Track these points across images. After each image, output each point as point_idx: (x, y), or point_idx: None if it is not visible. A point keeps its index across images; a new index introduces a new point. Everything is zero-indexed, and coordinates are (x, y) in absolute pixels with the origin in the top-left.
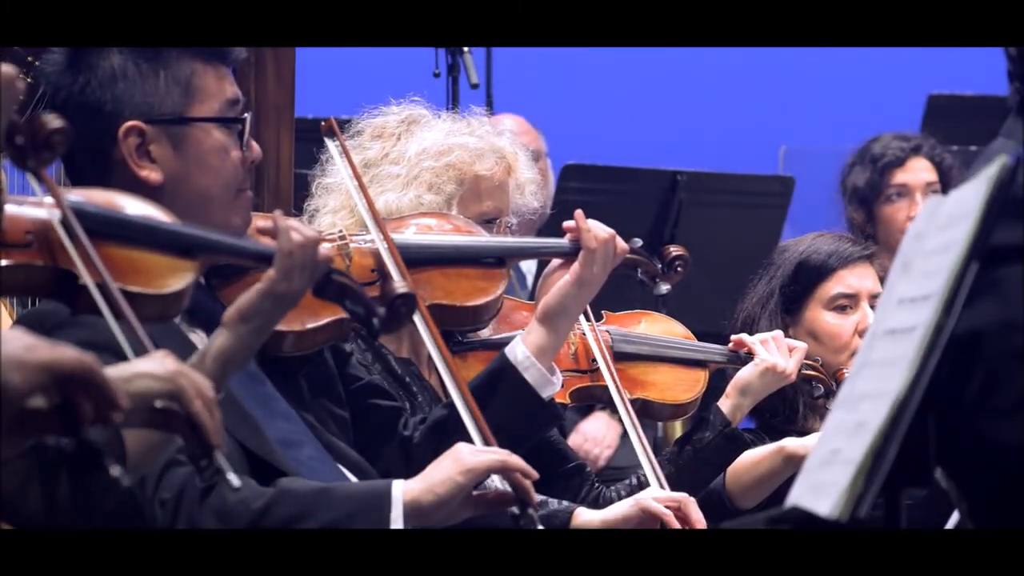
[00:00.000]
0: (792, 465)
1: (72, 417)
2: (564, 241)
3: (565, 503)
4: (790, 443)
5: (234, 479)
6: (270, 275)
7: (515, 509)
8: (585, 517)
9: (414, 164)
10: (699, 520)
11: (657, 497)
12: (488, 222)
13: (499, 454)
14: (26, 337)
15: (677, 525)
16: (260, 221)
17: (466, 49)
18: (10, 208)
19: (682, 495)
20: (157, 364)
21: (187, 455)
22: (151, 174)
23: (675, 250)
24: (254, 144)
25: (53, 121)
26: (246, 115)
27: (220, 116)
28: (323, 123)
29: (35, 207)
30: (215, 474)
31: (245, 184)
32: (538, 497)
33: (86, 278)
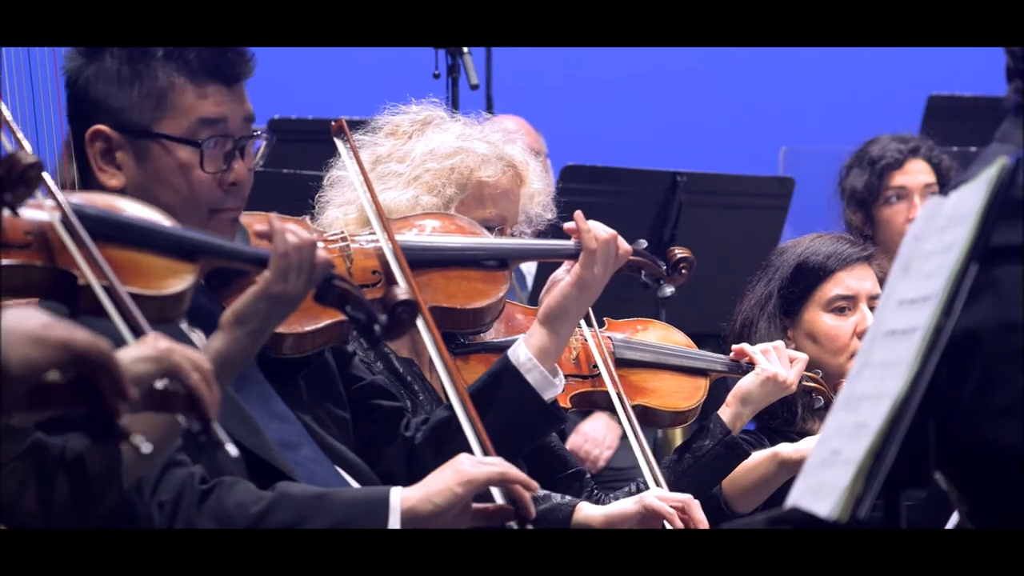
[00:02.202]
0: (786, 470)
1: (88, 392)
2: (567, 243)
3: (568, 497)
4: (784, 448)
5: (232, 449)
6: (265, 276)
7: (513, 524)
8: (587, 512)
9: (418, 164)
10: (702, 521)
11: (661, 496)
12: (489, 229)
13: (499, 466)
14: (42, 316)
15: (680, 525)
16: (258, 225)
17: (466, 50)
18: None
19: (686, 496)
20: (148, 347)
21: (183, 435)
22: (111, 180)
23: (680, 252)
24: (235, 166)
25: (27, 158)
26: (214, 138)
27: (182, 136)
28: (333, 123)
29: (35, 209)
30: (214, 447)
31: (222, 204)
32: (540, 491)
33: (89, 277)
